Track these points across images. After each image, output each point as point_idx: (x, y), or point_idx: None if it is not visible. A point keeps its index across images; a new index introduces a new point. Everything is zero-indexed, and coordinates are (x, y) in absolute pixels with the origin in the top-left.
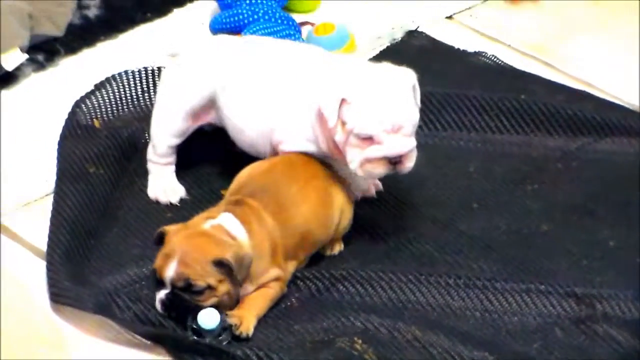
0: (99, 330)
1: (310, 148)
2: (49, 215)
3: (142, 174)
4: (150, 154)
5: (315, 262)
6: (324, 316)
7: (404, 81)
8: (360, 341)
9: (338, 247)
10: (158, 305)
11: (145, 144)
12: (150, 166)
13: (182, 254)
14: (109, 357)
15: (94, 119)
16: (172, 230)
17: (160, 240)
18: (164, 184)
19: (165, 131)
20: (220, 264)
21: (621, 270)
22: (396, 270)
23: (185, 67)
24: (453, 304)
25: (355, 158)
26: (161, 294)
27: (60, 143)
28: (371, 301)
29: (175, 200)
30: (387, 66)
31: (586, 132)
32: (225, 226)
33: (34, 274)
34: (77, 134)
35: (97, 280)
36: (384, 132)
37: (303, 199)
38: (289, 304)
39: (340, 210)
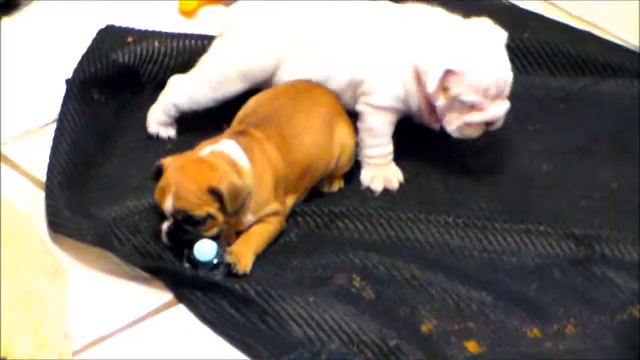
0: (97, 262)
1: (398, 105)
2: (49, 145)
3: (144, 106)
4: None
5: (315, 198)
6: (323, 253)
7: (501, 41)
8: (358, 278)
9: (338, 185)
10: (164, 237)
11: (150, 81)
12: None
13: (176, 186)
14: (107, 289)
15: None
16: (168, 161)
17: (159, 174)
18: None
19: (207, 96)
20: (214, 192)
21: (621, 212)
22: (395, 208)
23: (251, 27)
24: (452, 243)
25: (454, 122)
26: (165, 226)
27: (78, 64)
28: (370, 239)
29: (173, 133)
30: (480, 23)
31: (589, 73)
32: (226, 152)
33: (33, 204)
34: (96, 56)
35: (96, 211)
36: (487, 99)
37: (305, 130)
38: (287, 239)
39: (340, 144)
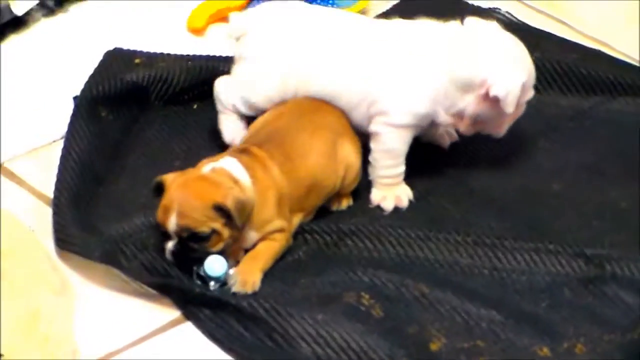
0: (104, 279)
1: (418, 122)
2: (56, 162)
3: (152, 123)
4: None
5: (324, 216)
6: (332, 270)
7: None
8: (367, 296)
9: (346, 202)
10: (168, 256)
11: (158, 99)
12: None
13: (180, 204)
14: (114, 306)
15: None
16: (170, 178)
17: (159, 190)
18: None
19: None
20: (220, 208)
21: (632, 232)
22: (405, 226)
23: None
24: (461, 261)
25: (504, 125)
26: (169, 245)
27: (86, 83)
28: (379, 257)
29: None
30: (493, 26)
31: (599, 92)
32: (227, 169)
33: (39, 221)
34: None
35: (104, 228)
36: None
37: (309, 150)
38: (296, 257)
39: (345, 164)
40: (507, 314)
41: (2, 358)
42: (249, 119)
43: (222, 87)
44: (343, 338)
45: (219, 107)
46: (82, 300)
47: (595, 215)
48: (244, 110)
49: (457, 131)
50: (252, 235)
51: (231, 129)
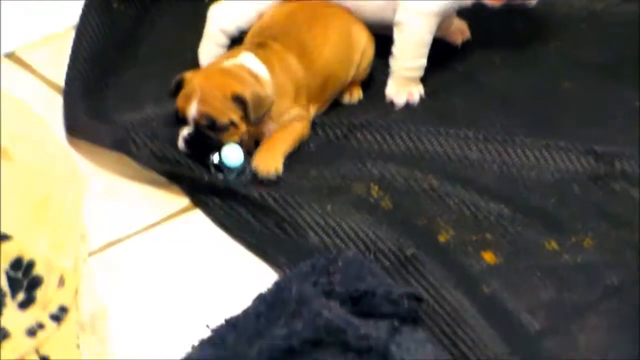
0: (115, 166)
1: (449, 5)
2: (68, 51)
3: (164, 14)
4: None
5: (335, 109)
6: (341, 162)
7: None
8: (376, 188)
9: (357, 94)
10: (181, 144)
11: None
12: None
13: (202, 93)
14: (124, 193)
15: None
16: (190, 74)
17: (179, 87)
18: None
19: (251, 8)
20: (239, 99)
21: None
22: (416, 121)
23: None
24: (471, 156)
25: None
26: (184, 133)
27: None
28: (389, 150)
29: None
30: None
31: None
32: (246, 65)
33: (50, 109)
34: None
35: (115, 117)
36: None
37: (325, 40)
38: (306, 149)
39: (361, 51)
40: (516, 208)
41: (12, 240)
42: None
43: (218, 11)
44: (352, 228)
45: (207, 30)
46: (92, 187)
47: (607, 114)
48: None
49: (485, 8)
50: (270, 126)
51: (211, 55)
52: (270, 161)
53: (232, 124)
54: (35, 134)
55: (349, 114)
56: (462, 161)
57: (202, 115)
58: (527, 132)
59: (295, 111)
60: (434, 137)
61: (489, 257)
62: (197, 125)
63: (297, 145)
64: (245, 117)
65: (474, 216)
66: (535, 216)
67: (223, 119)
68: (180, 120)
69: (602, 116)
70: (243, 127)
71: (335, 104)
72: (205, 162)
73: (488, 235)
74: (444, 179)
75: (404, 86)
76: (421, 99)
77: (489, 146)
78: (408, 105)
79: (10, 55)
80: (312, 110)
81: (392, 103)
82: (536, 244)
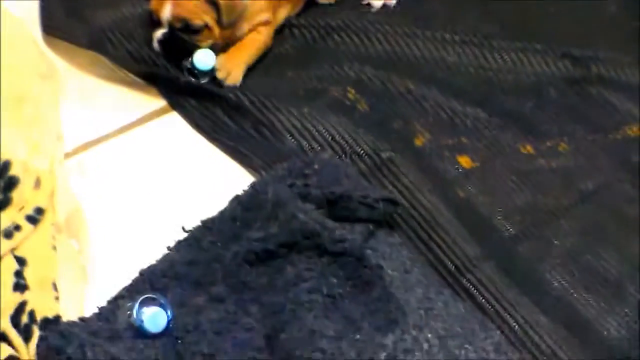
0: (91, 67)
1: None
2: None
3: None
4: None
5: (311, 10)
6: (318, 65)
7: None
8: (353, 90)
9: None
10: (155, 45)
11: None
12: None
13: None
14: (100, 93)
15: None
16: None
17: None
18: None
19: None
20: (212, 2)
21: (621, 35)
22: (392, 23)
23: None
24: (448, 59)
25: None
26: (158, 34)
27: None
28: (366, 52)
29: None
30: None
31: None
32: None
33: (27, 8)
34: None
35: (91, 16)
36: None
37: None
38: (282, 50)
39: None
40: (492, 111)
41: None
42: None
43: None
44: (328, 131)
45: None
46: (68, 87)
47: (585, 18)
48: None
49: None
50: (243, 27)
51: None
52: (232, 68)
53: (206, 26)
54: (10, 32)
55: (326, 15)
56: (438, 63)
57: (176, 17)
58: (504, 36)
59: (264, 15)
60: (410, 39)
61: (465, 161)
62: (171, 27)
63: (260, 53)
64: (219, 20)
65: (451, 119)
66: (512, 120)
67: (197, 21)
68: (155, 22)
69: (579, 20)
70: (217, 31)
71: (312, 4)
72: (179, 64)
73: (464, 139)
74: (420, 81)
75: None
76: (398, 1)
77: (465, 49)
78: (385, 7)
79: None
80: (283, 12)
81: (369, 4)
82: (512, 148)
